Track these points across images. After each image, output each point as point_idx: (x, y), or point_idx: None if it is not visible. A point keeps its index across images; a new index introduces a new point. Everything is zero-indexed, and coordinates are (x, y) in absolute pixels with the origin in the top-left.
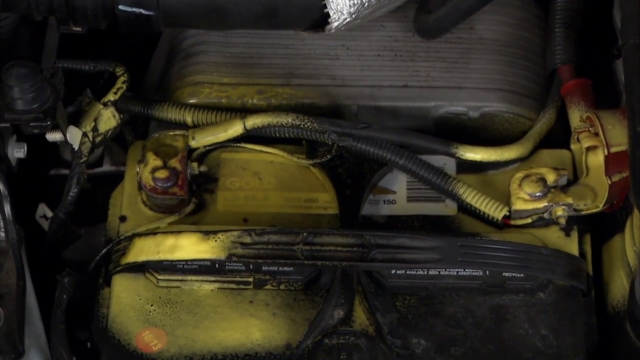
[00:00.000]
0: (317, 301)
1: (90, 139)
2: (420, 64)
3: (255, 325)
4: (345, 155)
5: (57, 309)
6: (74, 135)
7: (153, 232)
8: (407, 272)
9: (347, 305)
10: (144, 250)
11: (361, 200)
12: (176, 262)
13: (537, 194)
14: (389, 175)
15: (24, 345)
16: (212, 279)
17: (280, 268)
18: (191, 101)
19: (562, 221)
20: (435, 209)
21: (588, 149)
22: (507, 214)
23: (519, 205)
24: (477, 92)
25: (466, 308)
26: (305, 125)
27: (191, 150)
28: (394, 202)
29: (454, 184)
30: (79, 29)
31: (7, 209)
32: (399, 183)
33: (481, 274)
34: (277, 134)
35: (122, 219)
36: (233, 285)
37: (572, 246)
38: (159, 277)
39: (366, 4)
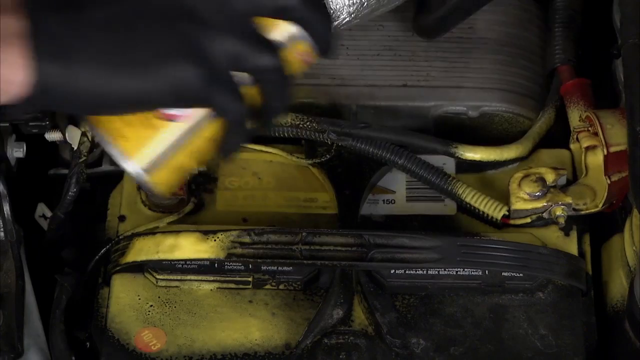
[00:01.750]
0: (317, 301)
1: (90, 138)
2: (419, 64)
3: (255, 325)
4: (344, 155)
5: (57, 308)
6: (73, 135)
7: (152, 232)
8: (407, 271)
9: (346, 305)
10: (143, 250)
11: (360, 200)
12: (175, 262)
13: (537, 194)
14: (388, 174)
15: (23, 344)
16: (211, 278)
17: (280, 268)
18: None
19: (562, 221)
20: (434, 209)
21: (587, 148)
22: (507, 213)
23: (518, 205)
24: (477, 91)
25: (465, 308)
26: (305, 125)
27: None
28: (393, 201)
29: (453, 183)
30: None
31: (7, 208)
32: (398, 183)
33: (480, 273)
34: (276, 134)
35: (121, 218)
36: (232, 285)
37: (571, 246)
38: (158, 276)
39: (365, 4)
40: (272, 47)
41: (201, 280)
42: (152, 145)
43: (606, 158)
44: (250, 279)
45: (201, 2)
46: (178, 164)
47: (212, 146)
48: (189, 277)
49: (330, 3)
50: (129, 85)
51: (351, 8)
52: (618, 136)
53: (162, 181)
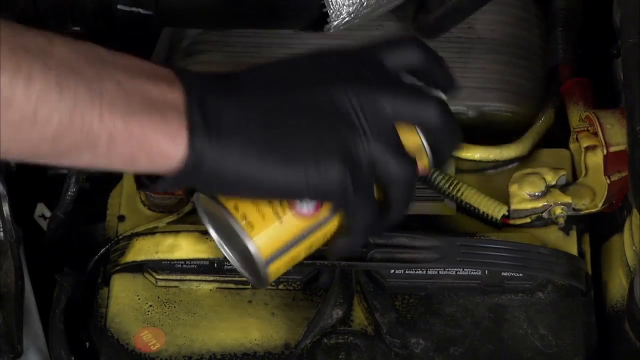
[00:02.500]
0: (316, 301)
1: None
2: None
3: (254, 324)
4: None
5: (56, 308)
6: None
7: (152, 232)
8: (406, 271)
9: (345, 304)
10: (142, 250)
11: None
12: (175, 262)
13: (536, 194)
14: None
15: (22, 345)
16: (211, 278)
17: None
18: None
19: (561, 221)
20: (434, 209)
21: (587, 148)
22: (506, 213)
23: (517, 205)
24: (476, 91)
25: (465, 308)
26: None
27: None
28: None
29: (453, 183)
30: (77, 28)
31: (6, 208)
32: None
33: (480, 273)
34: None
35: (121, 218)
36: (232, 285)
37: (571, 246)
38: (157, 276)
39: (365, 4)
40: (411, 159)
41: (201, 280)
42: (279, 239)
43: (606, 158)
44: None
45: (359, 107)
46: (294, 256)
47: (326, 243)
48: (188, 277)
49: (330, 3)
50: (277, 174)
51: (351, 8)
52: (618, 136)
53: (276, 272)
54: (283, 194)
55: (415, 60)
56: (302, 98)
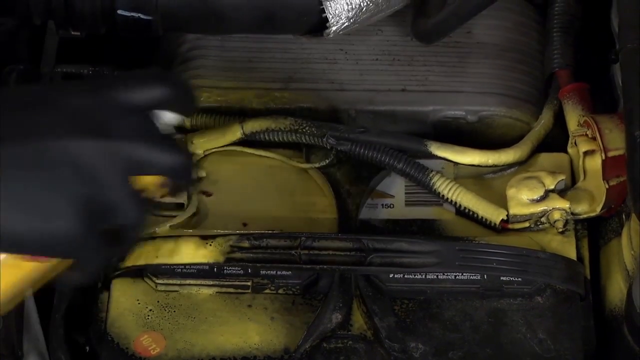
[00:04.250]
0: (316, 305)
1: None
2: (418, 68)
3: (254, 329)
4: (343, 159)
5: (56, 312)
6: None
7: (152, 237)
8: (405, 276)
9: (345, 309)
10: (142, 255)
11: (359, 204)
12: (175, 266)
13: (535, 198)
14: (387, 179)
15: (22, 349)
16: (211, 283)
17: (279, 272)
18: None
19: (560, 225)
20: (433, 213)
21: (585, 153)
22: (505, 218)
23: (516, 209)
24: (475, 96)
25: (464, 312)
26: (304, 130)
27: None
28: (392, 206)
29: (452, 188)
30: (77, 33)
31: None
32: (397, 187)
33: (479, 278)
34: (276, 138)
35: None
36: (231, 290)
37: (569, 250)
38: (157, 281)
39: (364, 9)
40: (146, 202)
41: (200, 285)
42: (15, 285)
43: (604, 163)
44: (249, 284)
45: (98, 161)
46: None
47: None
48: (188, 281)
49: (329, 8)
50: (14, 226)
51: (350, 13)
52: (616, 141)
53: None
54: (16, 250)
55: (159, 96)
56: (34, 153)
